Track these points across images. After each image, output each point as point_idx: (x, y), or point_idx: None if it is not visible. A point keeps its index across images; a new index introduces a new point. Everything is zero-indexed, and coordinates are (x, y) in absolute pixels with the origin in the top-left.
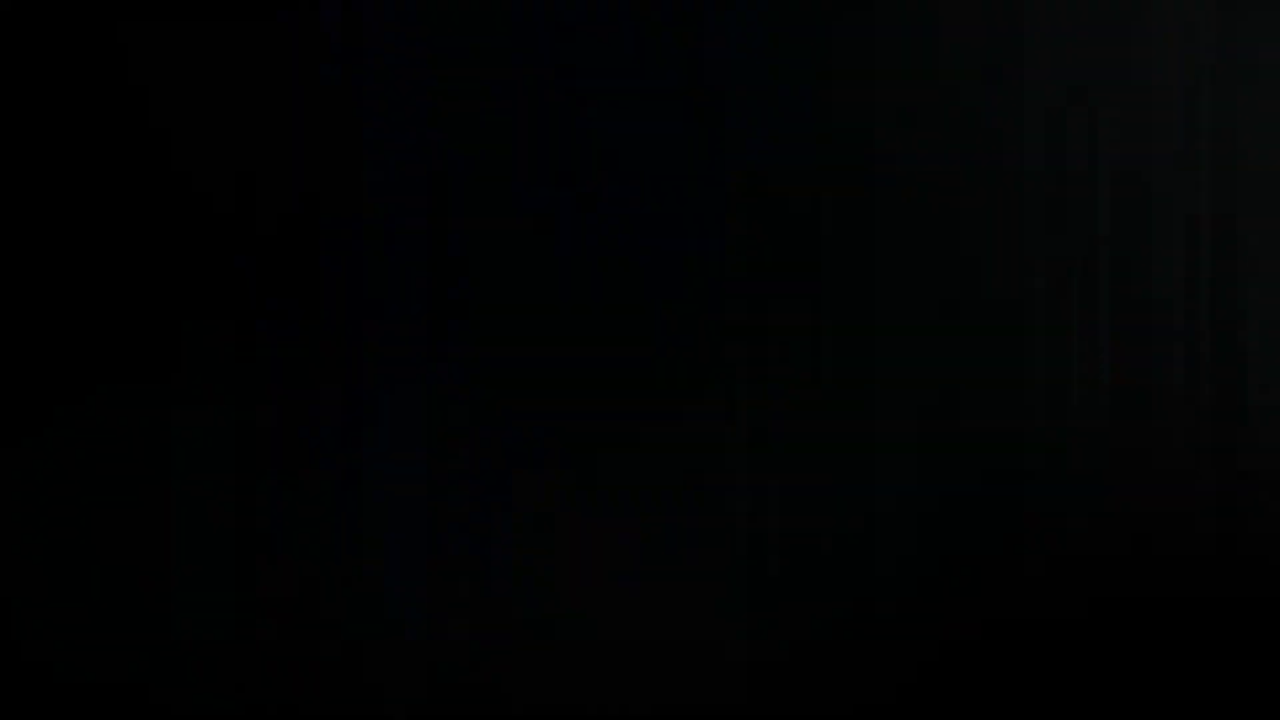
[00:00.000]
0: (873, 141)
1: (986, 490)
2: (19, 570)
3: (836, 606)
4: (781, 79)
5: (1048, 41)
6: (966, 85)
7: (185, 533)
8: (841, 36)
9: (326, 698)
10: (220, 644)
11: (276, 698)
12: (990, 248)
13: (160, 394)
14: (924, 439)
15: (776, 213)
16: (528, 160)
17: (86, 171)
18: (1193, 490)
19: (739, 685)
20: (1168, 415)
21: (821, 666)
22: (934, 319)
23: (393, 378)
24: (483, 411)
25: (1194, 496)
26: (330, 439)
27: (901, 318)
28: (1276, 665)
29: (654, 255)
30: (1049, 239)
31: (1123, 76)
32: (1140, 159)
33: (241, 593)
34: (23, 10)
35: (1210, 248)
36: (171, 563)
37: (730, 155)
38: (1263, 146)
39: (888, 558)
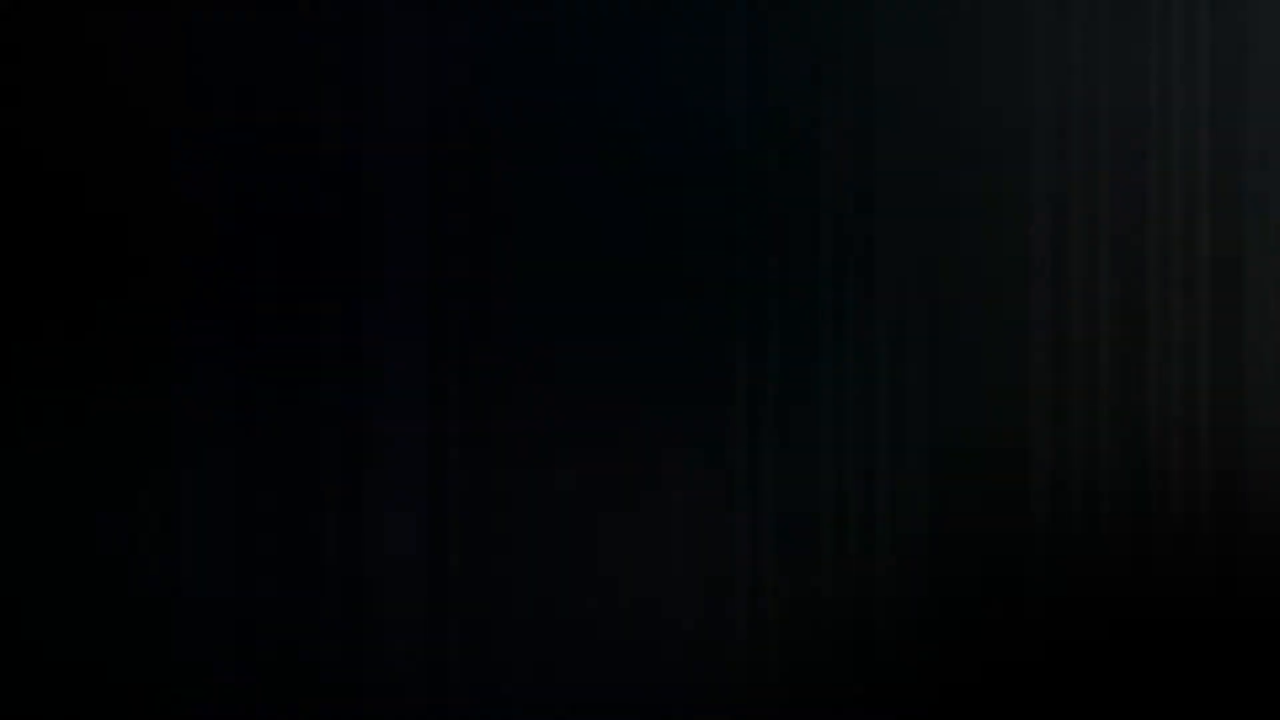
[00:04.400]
0: (873, 140)
1: (988, 493)
2: (18, 570)
3: (836, 611)
4: (780, 77)
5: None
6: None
7: (184, 530)
8: (840, 33)
9: (327, 697)
10: (219, 642)
11: (276, 697)
12: (992, 249)
13: (158, 391)
14: (926, 441)
15: (777, 215)
16: (527, 158)
17: (83, 170)
18: (1194, 510)
19: (737, 690)
20: (1168, 432)
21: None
22: (934, 320)
23: (393, 374)
24: (482, 409)
25: (1195, 515)
26: (331, 435)
27: (902, 312)
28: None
29: (654, 254)
30: (1052, 240)
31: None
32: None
33: (241, 591)
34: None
35: (1210, 250)
36: (170, 559)
37: (729, 155)
38: (1264, 146)
39: (889, 562)
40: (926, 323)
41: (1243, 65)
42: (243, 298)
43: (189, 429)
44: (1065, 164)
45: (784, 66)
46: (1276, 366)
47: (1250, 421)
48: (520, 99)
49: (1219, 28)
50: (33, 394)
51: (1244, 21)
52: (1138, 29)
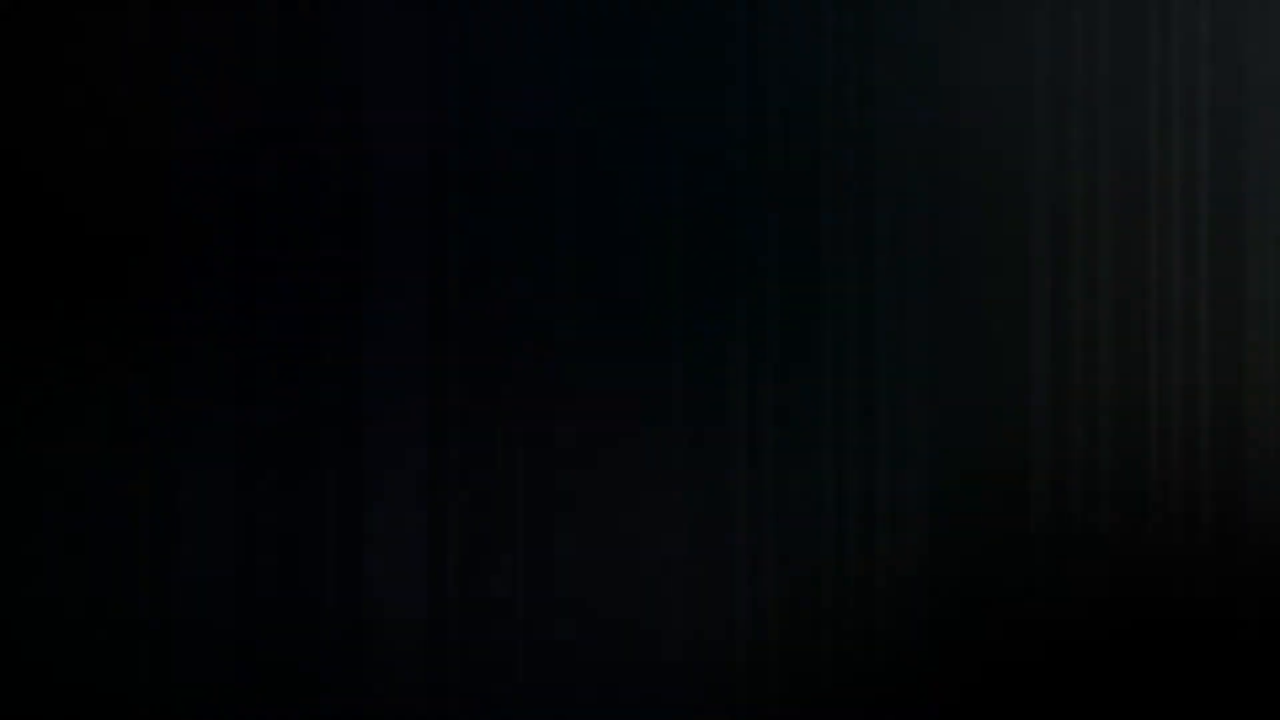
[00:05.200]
0: (873, 140)
1: (988, 494)
2: (17, 571)
3: (835, 609)
4: (778, 76)
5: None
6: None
7: (183, 530)
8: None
9: (327, 697)
10: (219, 643)
11: (276, 697)
12: (992, 250)
13: (158, 391)
14: (926, 440)
15: (777, 214)
16: (526, 157)
17: (82, 169)
18: (1195, 513)
19: (737, 690)
20: (1169, 431)
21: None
22: (933, 322)
23: (393, 374)
24: (483, 408)
25: (1196, 519)
26: (331, 435)
27: (902, 320)
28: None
29: (653, 254)
30: (1051, 245)
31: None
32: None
33: (241, 592)
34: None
35: (1210, 250)
36: (169, 559)
37: (729, 155)
38: (1263, 146)
39: (890, 554)
40: (926, 323)
41: (1243, 65)
42: (243, 297)
43: (189, 429)
44: (1065, 165)
45: (784, 66)
46: (1276, 366)
47: (1250, 421)
48: (520, 99)
49: (1219, 28)
50: (33, 394)
51: (1244, 21)
52: (1138, 29)
